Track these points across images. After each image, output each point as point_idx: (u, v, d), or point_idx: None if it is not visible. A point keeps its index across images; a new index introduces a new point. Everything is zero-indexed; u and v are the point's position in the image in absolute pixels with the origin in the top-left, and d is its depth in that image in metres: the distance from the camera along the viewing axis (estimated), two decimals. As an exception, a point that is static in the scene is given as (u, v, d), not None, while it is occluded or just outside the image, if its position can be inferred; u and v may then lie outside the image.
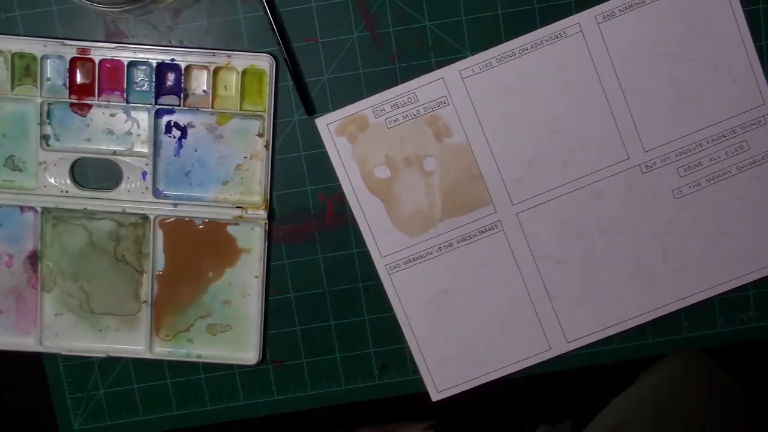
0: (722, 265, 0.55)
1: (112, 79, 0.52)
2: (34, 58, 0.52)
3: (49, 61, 0.52)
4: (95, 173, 0.54)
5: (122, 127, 0.53)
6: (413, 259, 0.54)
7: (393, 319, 0.55)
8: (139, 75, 0.53)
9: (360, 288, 0.55)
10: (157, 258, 0.54)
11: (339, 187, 0.54)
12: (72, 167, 0.53)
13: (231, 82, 0.53)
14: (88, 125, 0.53)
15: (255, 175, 0.54)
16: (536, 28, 0.53)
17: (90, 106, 0.53)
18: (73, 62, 0.52)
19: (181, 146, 0.54)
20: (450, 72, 0.53)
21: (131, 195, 0.53)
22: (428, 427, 0.55)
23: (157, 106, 0.53)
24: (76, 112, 0.53)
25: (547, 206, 0.54)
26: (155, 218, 0.53)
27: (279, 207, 0.54)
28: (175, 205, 0.53)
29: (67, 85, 0.52)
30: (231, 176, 0.54)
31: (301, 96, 0.53)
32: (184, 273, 0.54)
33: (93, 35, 0.53)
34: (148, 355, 0.54)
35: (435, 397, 0.55)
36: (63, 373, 0.55)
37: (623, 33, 0.53)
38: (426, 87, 0.53)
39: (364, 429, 0.56)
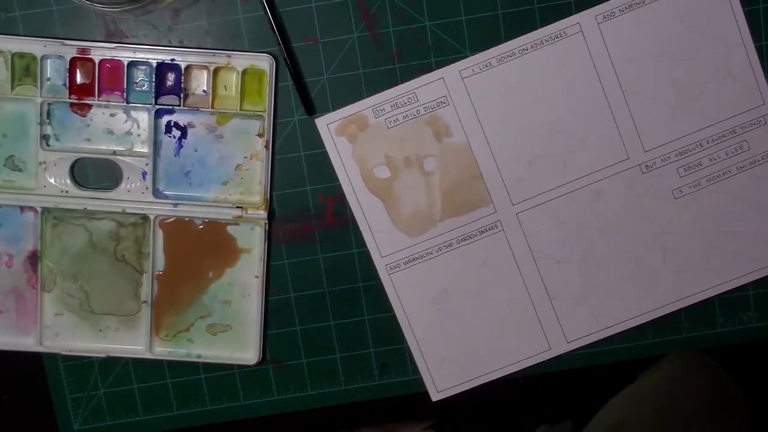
0: (722, 265, 0.55)
1: (112, 79, 0.52)
2: (34, 58, 0.52)
3: (49, 61, 0.52)
4: (95, 173, 0.54)
5: (122, 127, 0.53)
6: (413, 259, 0.54)
7: (393, 319, 0.55)
8: (139, 75, 0.53)
9: (360, 288, 0.55)
10: (157, 258, 0.54)
11: (339, 187, 0.54)
12: (72, 167, 0.53)
13: (231, 82, 0.53)
14: (88, 125, 0.53)
15: (255, 175, 0.54)
16: (536, 28, 0.53)
17: (90, 106, 0.53)
18: (73, 62, 0.52)
19: (181, 146, 0.54)
20: (450, 72, 0.53)
21: (131, 195, 0.53)
22: (428, 427, 0.55)
23: (157, 106, 0.53)
24: (76, 112, 0.53)
25: (547, 206, 0.54)
26: (155, 218, 0.53)
27: (279, 207, 0.54)
28: (175, 205, 0.53)
29: (67, 85, 0.52)
30: (231, 176, 0.54)
31: (301, 96, 0.53)
32: (184, 273, 0.54)
33: (93, 35, 0.53)
34: (148, 355, 0.54)
35: (435, 397, 0.55)
36: (63, 373, 0.55)
37: (623, 33, 0.53)
38: (426, 87, 0.53)
39: (364, 429, 0.56)
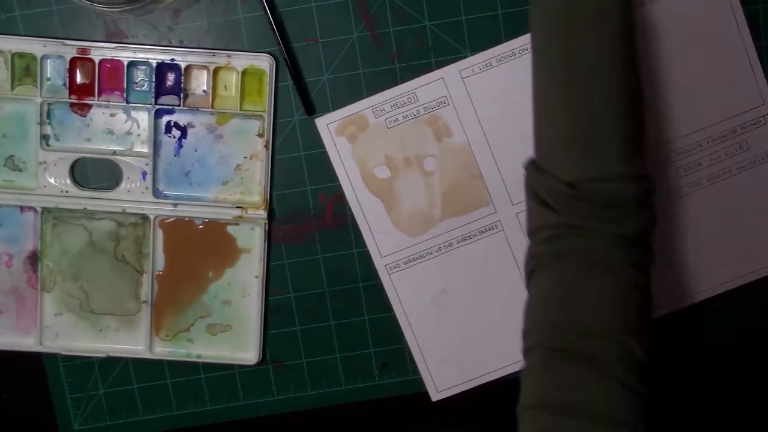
0: (722, 265, 0.55)
1: (112, 79, 0.52)
2: (34, 58, 0.52)
3: (49, 61, 0.52)
4: (95, 173, 0.54)
5: (122, 127, 0.53)
6: (413, 259, 0.54)
7: (393, 319, 0.55)
8: (139, 75, 0.53)
9: (360, 288, 0.55)
10: (157, 258, 0.54)
11: (339, 187, 0.54)
12: (72, 167, 0.53)
13: (231, 82, 0.53)
14: (88, 125, 0.53)
15: (255, 175, 0.54)
16: (536, 28, 0.53)
17: (90, 106, 0.53)
18: (73, 62, 0.52)
19: (181, 146, 0.54)
20: (450, 72, 0.53)
21: (131, 195, 0.53)
22: None
23: (157, 106, 0.53)
24: (76, 112, 0.53)
25: (547, 206, 0.54)
26: (155, 218, 0.53)
27: (279, 207, 0.54)
28: (175, 205, 0.53)
29: (67, 85, 0.52)
30: (231, 176, 0.54)
31: (301, 96, 0.53)
32: (184, 273, 0.54)
33: (93, 35, 0.53)
34: (148, 355, 0.54)
35: (435, 397, 0.55)
36: (63, 373, 0.55)
37: (623, 33, 0.53)
38: (426, 87, 0.53)
39: None
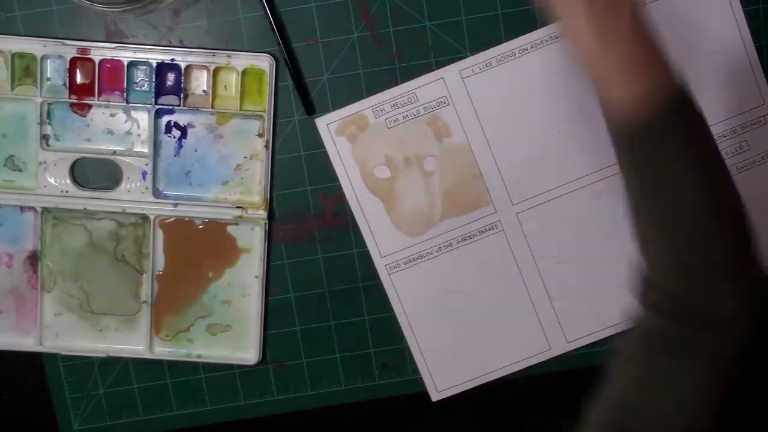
0: (722, 265, 0.55)
1: (112, 79, 0.52)
2: (34, 58, 0.52)
3: (49, 61, 0.52)
4: (95, 173, 0.54)
5: (122, 127, 0.53)
6: (413, 259, 0.54)
7: (393, 319, 0.55)
8: (139, 75, 0.53)
9: (360, 288, 0.55)
10: (157, 258, 0.54)
11: (339, 187, 0.54)
12: (72, 167, 0.53)
13: (231, 82, 0.53)
14: (88, 125, 0.53)
15: (255, 175, 0.54)
16: (536, 28, 0.53)
17: (90, 106, 0.53)
18: (73, 62, 0.52)
19: (181, 146, 0.54)
20: (450, 72, 0.53)
21: (131, 195, 0.53)
22: None
23: (157, 106, 0.53)
24: (76, 112, 0.53)
25: (547, 206, 0.54)
26: (155, 218, 0.53)
27: (279, 207, 0.54)
28: (175, 205, 0.53)
29: (67, 85, 0.52)
30: (231, 176, 0.54)
31: (301, 96, 0.53)
32: (184, 273, 0.54)
33: (93, 35, 0.53)
34: (148, 355, 0.54)
35: (435, 397, 0.55)
36: (63, 373, 0.55)
37: (623, 33, 0.53)
38: (426, 87, 0.53)
39: None
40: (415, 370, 0.55)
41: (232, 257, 0.54)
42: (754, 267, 0.40)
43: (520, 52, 0.53)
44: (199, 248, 0.54)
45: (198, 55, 0.52)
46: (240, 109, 0.53)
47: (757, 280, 0.40)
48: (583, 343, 0.55)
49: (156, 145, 0.53)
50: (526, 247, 0.55)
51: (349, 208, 0.54)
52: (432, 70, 0.53)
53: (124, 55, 0.52)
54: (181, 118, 0.53)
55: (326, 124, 0.54)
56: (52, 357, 0.55)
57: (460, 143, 0.54)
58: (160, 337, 0.55)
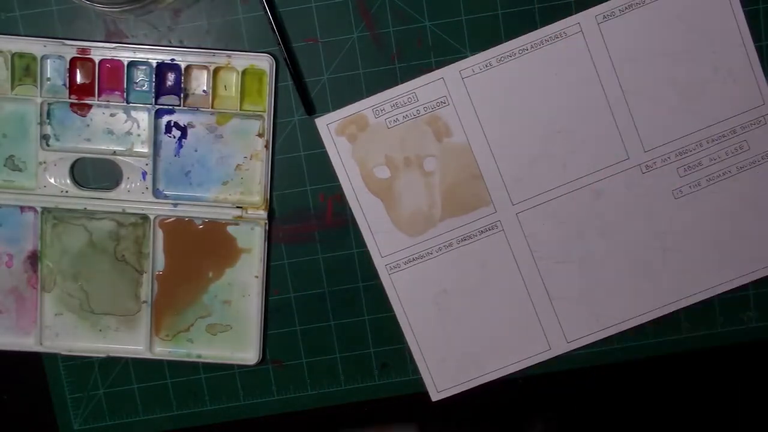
0: (722, 265, 0.55)
1: (112, 79, 0.52)
2: (34, 58, 0.52)
3: (49, 61, 0.52)
4: (95, 173, 0.54)
5: (122, 127, 0.53)
6: (413, 259, 0.54)
7: (393, 319, 0.55)
8: (139, 75, 0.53)
9: (360, 288, 0.55)
10: (157, 258, 0.54)
11: (339, 187, 0.54)
12: (72, 167, 0.53)
13: (231, 82, 0.53)
14: (88, 125, 0.53)
15: (255, 175, 0.54)
16: (536, 28, 0.53)
17: (90, 106, 0.53)
18: (73, 62, 0.52)
19: (181, 146, 0.54)
20: (450, 72, 0.53)
21: (131, 195, 0.53)
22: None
23: (157, 106, 0.53)
24: (76, 112, 0.53)
25: (547, 206, 0.54)
26: (155, 218, 0.53)
27: (279, 207, 0.54)
28: (175, 205, 0.53)
29: (67, 85, 0.52)
30: (231, 176, 0.54)
31: (301, 96, 0.53)
32: (184, 273, 0.54)
33: (93, 35, 0.53)
34: (148, 355, 0.54)
35: (435, 397, 0.55)
36: (63, 373, 0.55)
37: (623, 33, 0.53)
38: (426, 87, 0.54)
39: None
40: (415, 370, 0.55)
41: (232, 257, 0.54)
42: None
43: (520, 52, 0.53)
44: (199, 248, 0.54)
45: (198, 55, 0.52)
46: (240, 109, 0.53)
47: None
48: (583, 343, 0.55)
49: (156, 145, 0.53)
50: (526, 247, 0.55)
51: (349, 208, 0.54)
52: (432, 70, 0.53)
53: (124, 55, 0.52)
54: (181, 118, 0.53)
55: (326, 124, 0.54)
56: (52, 357, 0.55)
57: (460, 143, 0.54)
58: (160, 337, 0.55)
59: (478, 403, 0.56)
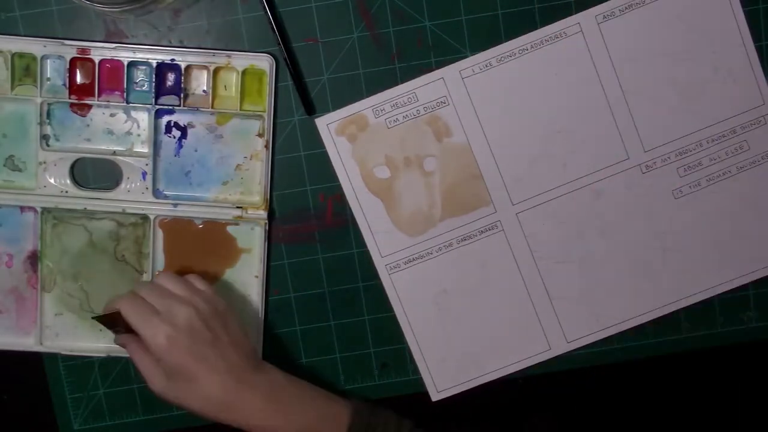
0: (722, 265, 0.55)
1: (112, 79, 0.52)
2: (34, 58, 0.52)
3: (49, 61, 0.52)
4: (95, 173, 0.54)
5: (122, 127, 0.53)
6: (413, 259, 0.54)
7: (393, 319, 0.55)
8: (139, 75, 0.53)
9: (360, 288, 0.55)
10: (157, 258, 0.54)
11: (339, 187, 0.54)
12: (72, 167, 0.53)
13: (231, 82, 0.53)
14: (88, 125, 0.53)
15: (255, 175, 0.54)
16: (536, 28, 0.53)
17: (90, 106, 0.53)
18: (73, 62, 0.52)
19: (181, 146, 0.54)
20: (450, 72, 0.53)
21: (131, 195, 0.53)
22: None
23: (157, 106, 0.53)
24: (76, 112, 0.53)
25: (547, 206, 0.54)
26: (155, 218, 0.53)
27: (279, 207, 0.54)
28: (175, 205, 0.53)
29: (67, 85, 0.52)
30: (231, 176, 0.54)
31: (301, 96, 0.53)
32: (184, 273, 0.54)
33: (93, 35, 0.53)
34: (148, 355, 0.54)
35: (435, 397, 0.55)
36: (63, 373, 0.55)
37: (623, 33, 0.53)
38: (426, 87, 0.53)
39: None
40: (415, 370, 0.55)
41: (232, 257, 0.54)
42: None
43: (520, 52, 0.53)
44: (199, 248, 0.54)
45: (198, 55, 0.52)
46: (240, 109, 0.53)
47: None
48: (583, 343, 0.55)
49: (156, 145, 0.53)
50: (526, 247, 0.55)
51: (349, 208, 0.54)
52: (432, 70, 0.53)
53: (124, 55, 0.52)
54: (181, 118, 0.53)
55: (326, 124, 0.54)
56: (52, 357, 0.55)
57: (460, 143, 0.54)
58: (160, 337, 0.55)
59: (478, 403, 0.56)
